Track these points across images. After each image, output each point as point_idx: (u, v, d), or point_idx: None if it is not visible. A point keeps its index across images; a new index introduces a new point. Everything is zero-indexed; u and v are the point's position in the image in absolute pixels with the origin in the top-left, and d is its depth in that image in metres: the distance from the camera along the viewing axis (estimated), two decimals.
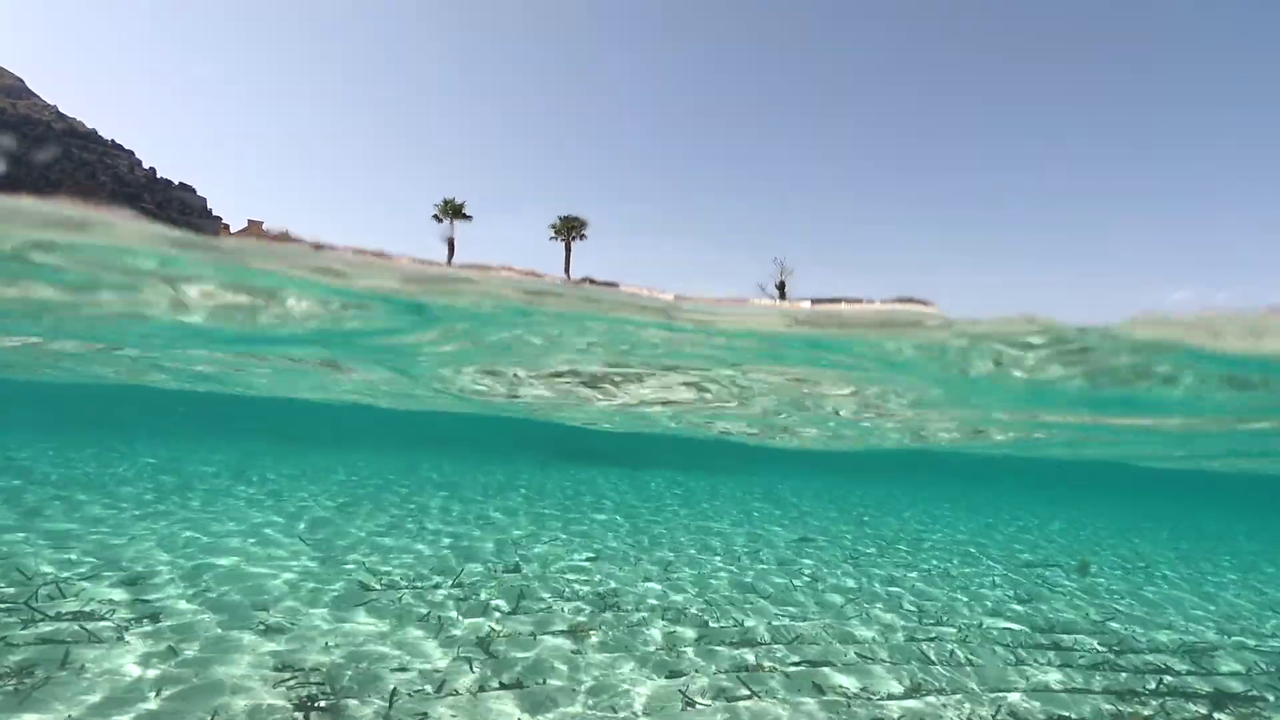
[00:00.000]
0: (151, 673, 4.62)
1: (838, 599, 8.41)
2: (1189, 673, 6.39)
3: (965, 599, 9.06)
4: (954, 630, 7.30)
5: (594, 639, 6.11)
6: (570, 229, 60.01)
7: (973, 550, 13.22)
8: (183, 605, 6.18)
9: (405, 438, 39.74)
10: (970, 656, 6.30)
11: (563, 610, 6.97)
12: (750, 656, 5.84)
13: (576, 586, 8.13)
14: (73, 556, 7.45)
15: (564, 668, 5.35)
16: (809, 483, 26.16)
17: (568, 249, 59.67)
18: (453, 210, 56.18)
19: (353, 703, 4.40)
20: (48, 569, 7.02)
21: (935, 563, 11.53)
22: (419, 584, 7.72)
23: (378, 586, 7.49)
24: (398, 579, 7.86)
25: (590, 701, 4.69)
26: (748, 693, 5.00)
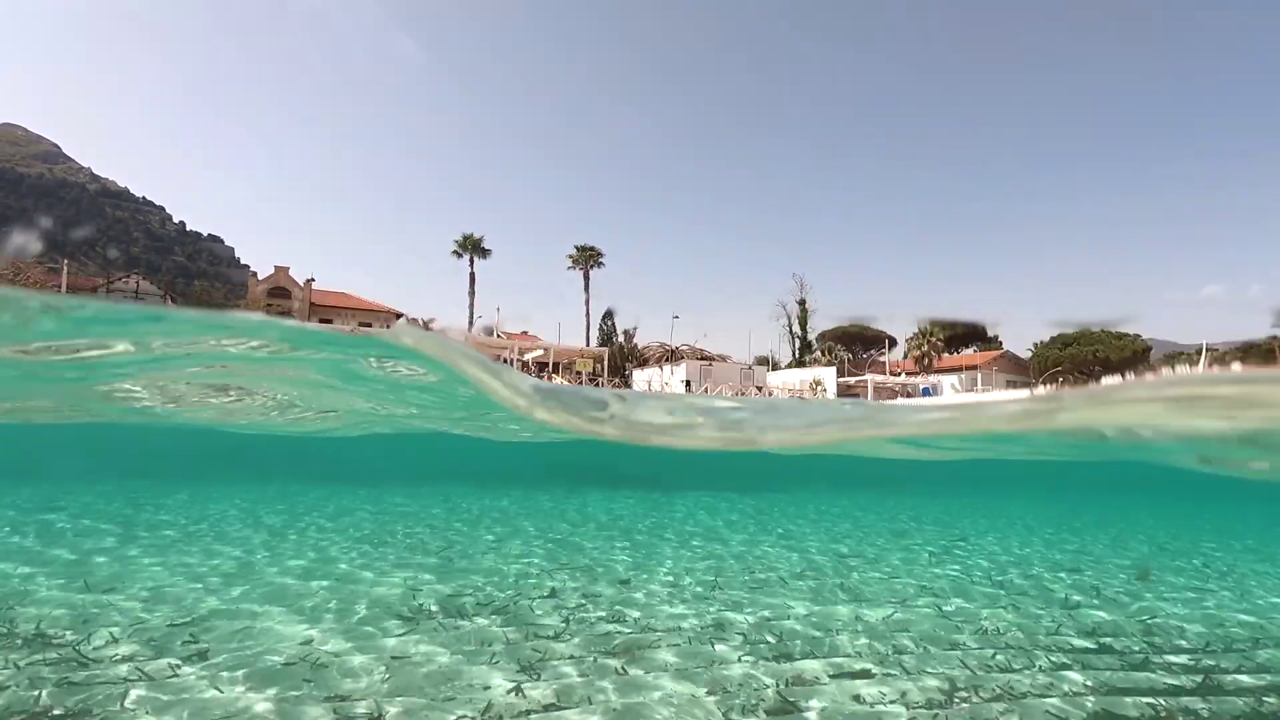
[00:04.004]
0: None
1: None
2: None
3: None
4: None
5: None
6: (587, 258, 60.72)
7: None
8: None
9: None
10: None
11: None
12: None
13: None
14: None
15: None
16: None
17: (586, 277, 60.34)
18: (472, 245, 57.16)
19: None
20: None
21: None
22: None
23: None
24: None
25: None
26: None
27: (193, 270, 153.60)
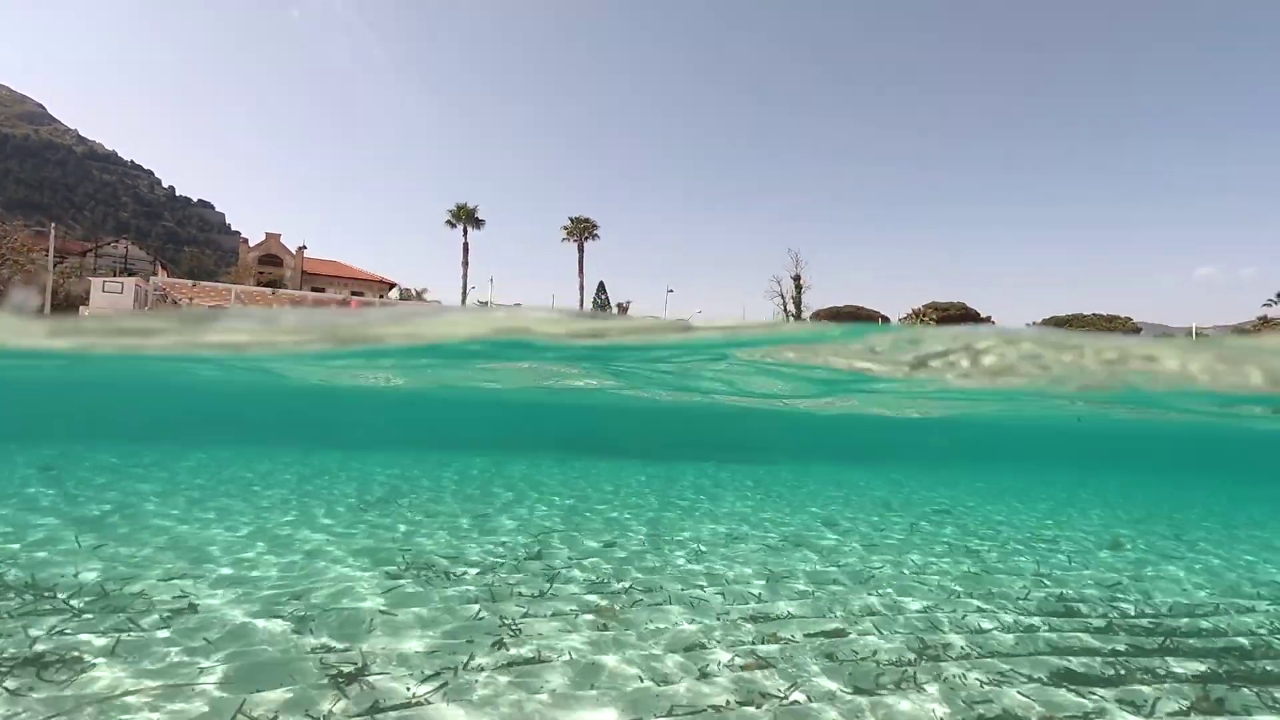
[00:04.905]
0: None
1: None
2: None
3: None
4: None
5: None
6: (582, 230, 60.26)
7: None
8: None
9: None
10: None
11: None
12: None
13: None
14: None
15: None
16: None
17: (581, 249, 59.94)
18: (465, 215, 56.59)
19: None
20: None
21: None
22: None
23: None
24: None
25: None
26: None
27: (182, 236, 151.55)
